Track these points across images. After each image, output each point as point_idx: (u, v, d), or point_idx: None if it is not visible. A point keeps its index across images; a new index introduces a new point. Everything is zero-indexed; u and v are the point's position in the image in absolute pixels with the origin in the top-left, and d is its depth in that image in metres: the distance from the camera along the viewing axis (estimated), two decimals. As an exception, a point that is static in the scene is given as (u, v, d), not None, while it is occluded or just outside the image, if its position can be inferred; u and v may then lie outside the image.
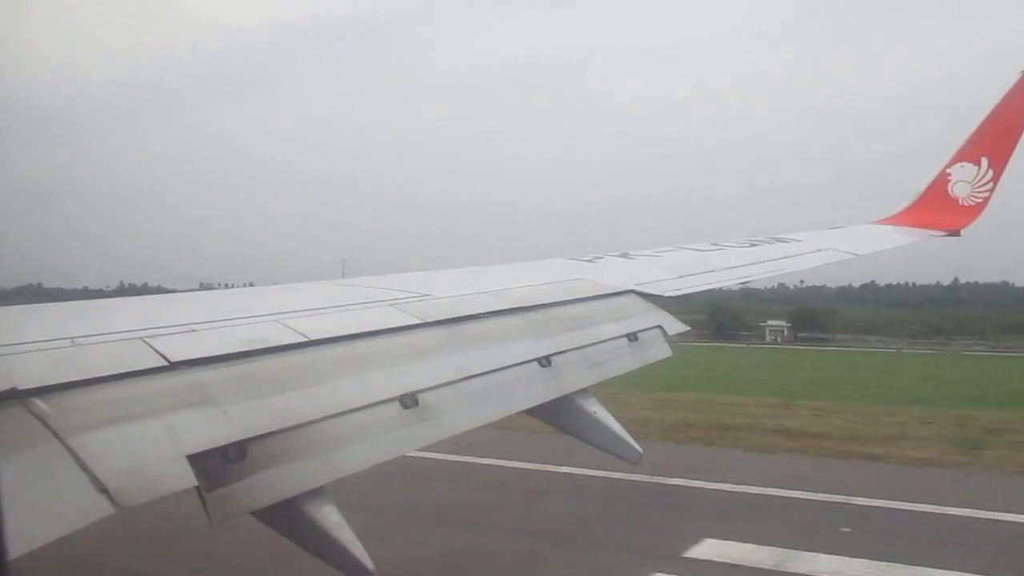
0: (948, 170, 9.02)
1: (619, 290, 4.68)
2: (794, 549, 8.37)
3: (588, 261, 5.46)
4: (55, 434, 2.01)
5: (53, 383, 2.16)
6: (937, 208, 8.92)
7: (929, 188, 9.06)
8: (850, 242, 7.86)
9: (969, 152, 8.89)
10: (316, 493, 2.51)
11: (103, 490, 1.95)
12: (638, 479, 10.79)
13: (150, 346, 2.53)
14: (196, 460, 2.20)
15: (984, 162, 8.80)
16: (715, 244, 6.57)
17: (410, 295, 3.63)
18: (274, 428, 2.45)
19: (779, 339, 57.54)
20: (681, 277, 5.24)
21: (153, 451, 2.15)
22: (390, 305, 3.53)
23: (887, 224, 8.92)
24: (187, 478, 2.15)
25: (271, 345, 2.79)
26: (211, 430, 2.31)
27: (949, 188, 8.97)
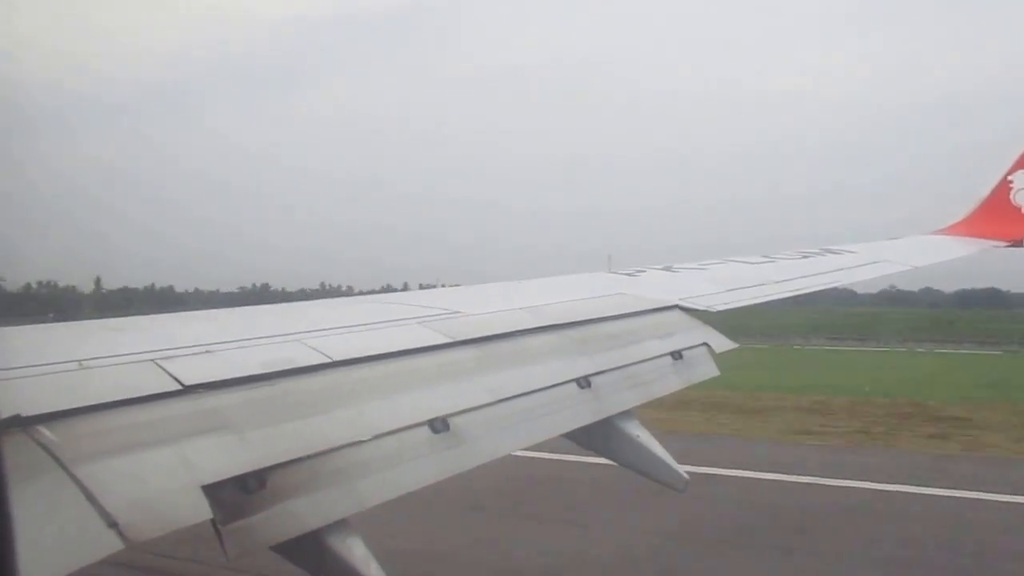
0: (1010, 177, 8.94)
1: (662, 305, 4.60)
2: None
3: (628, 275, 5.39)
4: (61, 464, 1.96)
5: (59, 409, 2.11)
6: (999, 217, 8.85)
7: (990, 197, 9.00)
8: (907, 254, 7.76)
9: None
10: (340, 525, 2.45)
11: (112, 524, 1.90)
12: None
13: (163, 368, 2.48)
14: (212, 491, 2.14)
15: None
16: (765, 256, 6.50)
17: (440, 312, 3.57)
18: (296, 456, 2.39)
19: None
20: (729, 291, 5.16)
21: (166, 481, 2.09)
22: (419, 323, 3.47)
23: (946, 235, 8.81)
24: (202, 510, 2.09)
25: (293, 367, 2.74)
26: (228, 458, 2.25)
27: (1012, 196, 8.90)
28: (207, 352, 2.71)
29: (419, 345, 3.23)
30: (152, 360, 2.52)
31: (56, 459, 1.96)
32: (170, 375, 2.45)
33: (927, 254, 8.15)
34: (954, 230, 8.97)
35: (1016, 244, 9.07)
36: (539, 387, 3.34)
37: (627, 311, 4.38)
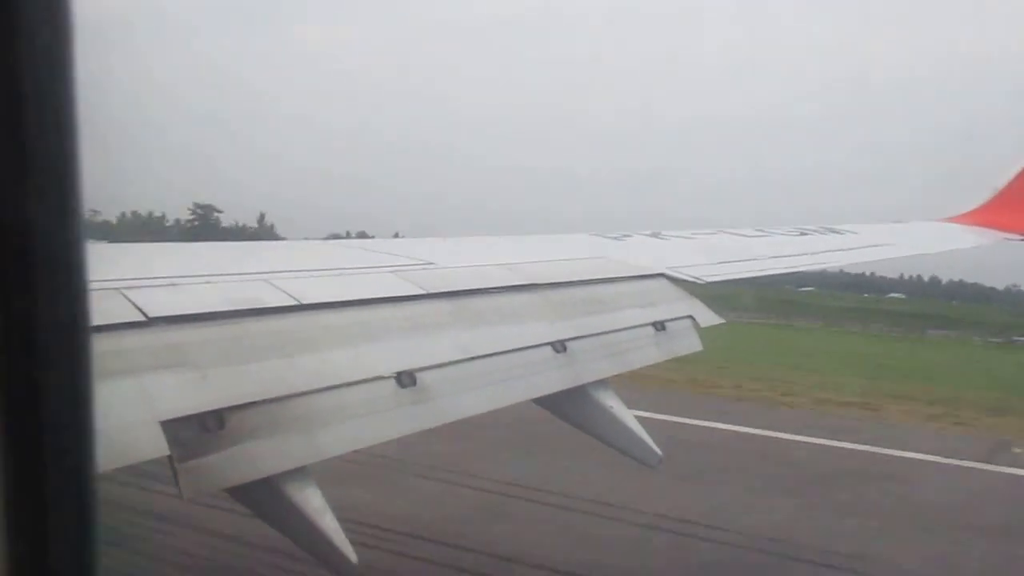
0: None
1: (648, 273, 4.56)
2: None
3: (615, 238, 5.33)
4: None
5: None
6: (1014, 209, 8.63)
7: (1007, 187, 8.75)
8: (914, 239, 7.67)
9: None
10: (298, 473, 2.48)
11: None
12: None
13: (127, 298, 2.49)
14: (170, 427, 2.17)
15: None
16: (759, 230, 6.42)
17: (414, 262, 3.56)
18: (256, 398, 2.41)
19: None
20: (720, 263, 5.11)
21: (125, 414, 2.12)
22: (392, 272, 3.47)
23: (957, 223, 8.66)
24: (160, 446, 2.12)
25: (258, 306, 2.75)
26: (188, 395, 2.28)
27: None
28: (173, 285, 2.73)
29: (390, 294, 3.24)
30: (117, 288, 2.54)
31: None
32: (134, 305, 2.47)
33: (935, 241, 8.01)
34: (967, 218, 8.75)
35: None
36: (513, 348, 3.33)
37: (610, 276, 4.35)
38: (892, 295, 76.51)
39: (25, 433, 0.88)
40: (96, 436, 0.94)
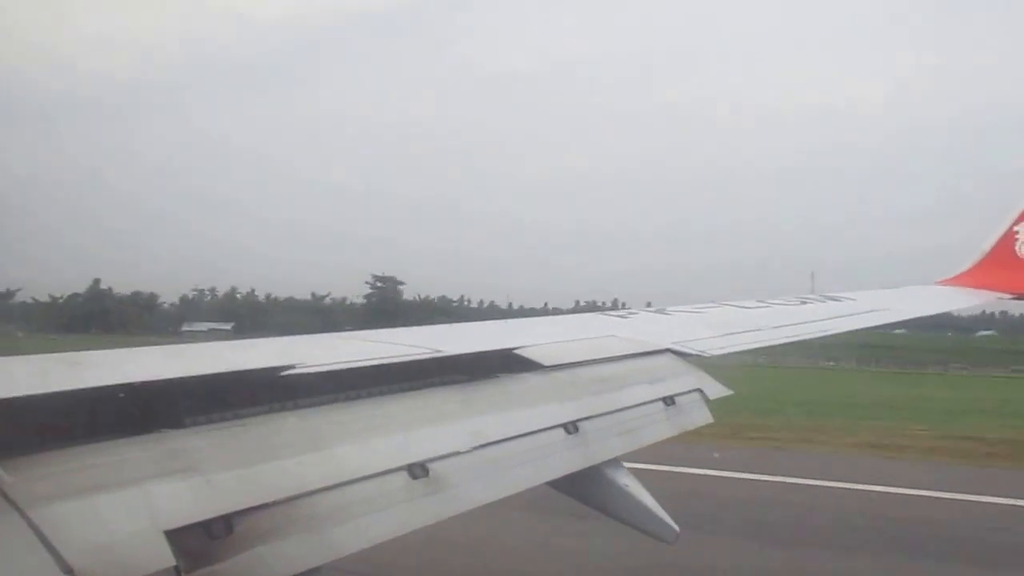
0: (1015, 228, 8.92)
1: (655, 349, 4.58)
2: None
3: (620, 316, 5.40)
4: (14, 505, 1.91)
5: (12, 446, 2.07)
6: (1004, 270, 8.79)
7: (994, 248, 8.94)
8: (909, 303, 7.81)
9: None
10: (312, 575, 2.38)
11: (68, 571, 1.85)
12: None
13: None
14: (175, 536, 2.09)
15: None
16: (761, 301, 6.51)
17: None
18: (264, 500, 2.34)
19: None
20: (724, 335, 5.15)
21: (127, 525, 2.04)
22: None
23: (950, 284, 8.82)
24: (165, 557, 2.04)
25: (264, 404, 2.71)
26: (193, 501, 2.21)
27: (1017, 248, 8.86)
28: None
29: (400, 384, 3.21)
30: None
31: (9, 500, 1.92)
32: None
33: (929, 304, 8.17)
34: (958, 280, 8.94)
35: (1021, 297, 9.08)
36: (525, 432, 3.30)
37: (618, 354, 4.36)
38: (981, 333, 77.91)
39: None
40: None
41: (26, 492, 1.96)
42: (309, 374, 2.90)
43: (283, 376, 2.87)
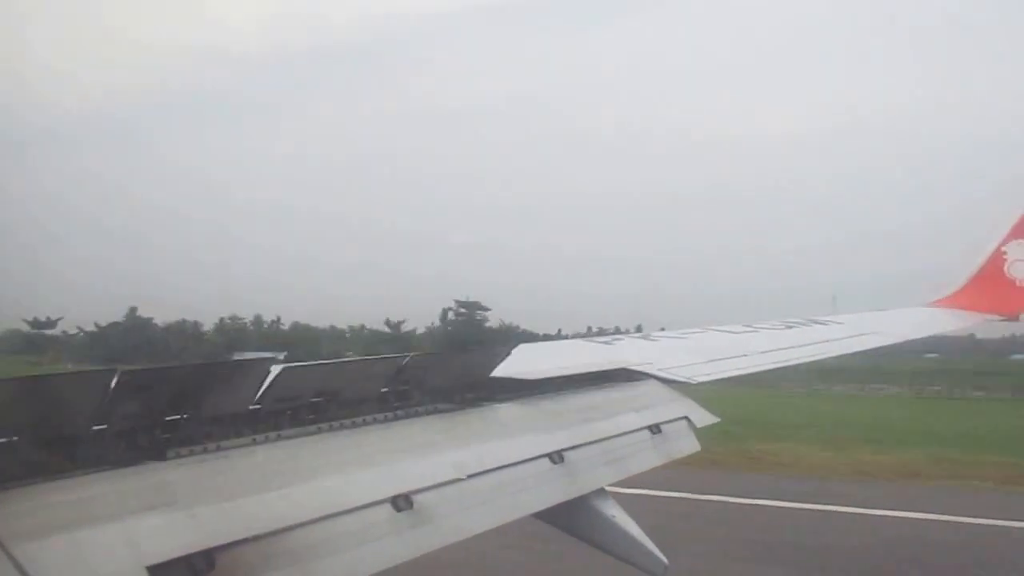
0: (1003, 248, 8.92)
1: (639, 376, 4.60)
2: None
3: (604, 343, 5.41)
4: None
5: None
6: (992, 291, 8.79)
7: (983, 269, 8.95)
8: (896, 326, 7.82)
9: None
10: None
11: None
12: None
13: None
14: (158, 572, 2.10)
15: None
16: (747, 326, 6.54)
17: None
18: (247, 534, 2.35)
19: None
20: (709, 361, 5.18)
21: (109, 562, 2.05)
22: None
23: (938, 307, 8.84)
24: None
25: (242, 438, 2.72)
26: (175, 536, 2.22)
27: (1006, 268, 8.85)
28: None
29: (380, 415, 3.21)
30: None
31: None
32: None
33: (918, 327, 8.20)
34: (947, 302, 8.92)
35: (1012, 318, 9.07)
36: (509, 462, 3.31)
37: (603, 382, 4.38)
38: (1016, 356, 76.97)
39: None
40: None
41: (6, 527, 1.96)
42: None
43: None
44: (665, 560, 3.74)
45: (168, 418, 2.55)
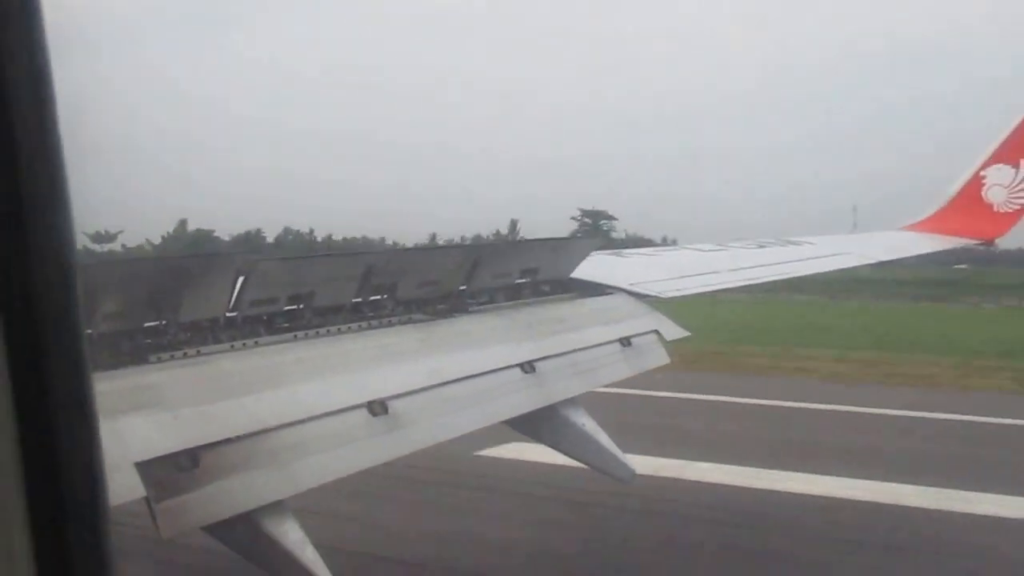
0: (982, 173, 8.84)
1: (611, 290, 4.68)
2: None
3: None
4: None
5: None
6: (969, 214, 8.63)
7: (960, 192, 8.79)
8: (871, 248, 7.86)
9: (1007, 153, 8.70)
10: (276, 507, 2.53)
11: None
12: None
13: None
14: (145, 468, 2.21)
15: None
16: (718, 244, 6.59)
17: None
18: (229, 435, 2.47)
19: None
20: (680, 277, 5.25)
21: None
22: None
23: (913, 230, 8.83)
24: (135, 488, 2.16)
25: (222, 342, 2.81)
26: (161, 435, 2.33)
27: (983, 193, 8.76)
28: None
29: (355, 322, 3.31)
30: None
31: None
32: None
33: (892, 249, 8.20)
34: (923, 226, 8.81)
35: (987, 243, 9.09)
36: (482, 371, 3.42)
37: (574, 294, 4.46)
38: None
39: (33, 429, 0.90)
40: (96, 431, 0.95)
41: None
42: None
43: None
44: (633, 468, 3.88)
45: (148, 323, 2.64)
